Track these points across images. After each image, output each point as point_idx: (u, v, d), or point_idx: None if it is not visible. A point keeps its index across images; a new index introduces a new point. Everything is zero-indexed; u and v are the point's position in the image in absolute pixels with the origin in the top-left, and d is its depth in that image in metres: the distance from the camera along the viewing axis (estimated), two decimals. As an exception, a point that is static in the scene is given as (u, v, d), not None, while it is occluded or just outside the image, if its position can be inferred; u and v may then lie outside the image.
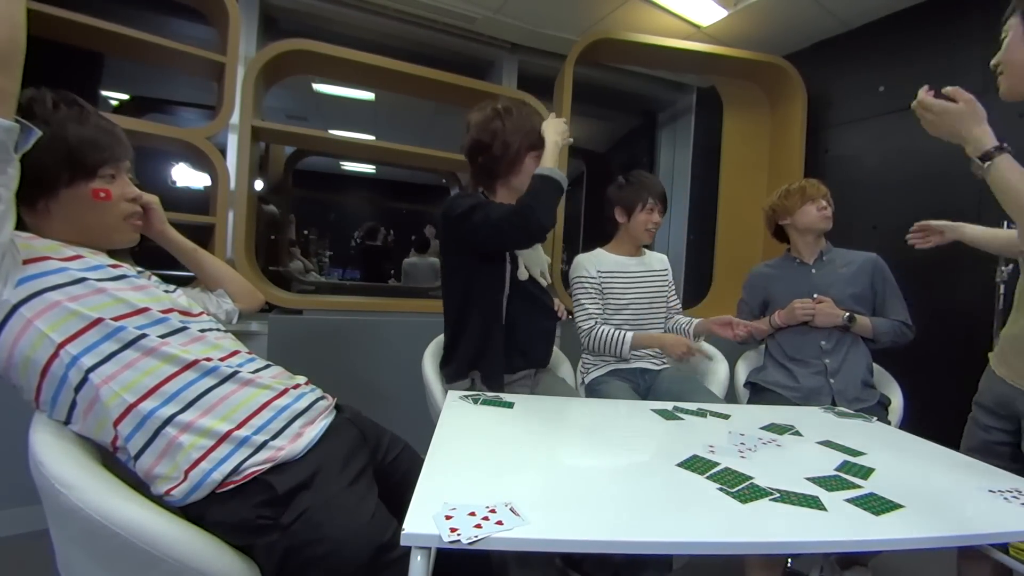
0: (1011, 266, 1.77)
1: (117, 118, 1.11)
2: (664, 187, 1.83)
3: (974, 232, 1.49)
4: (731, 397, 1.82)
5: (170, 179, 4.45)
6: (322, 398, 1.00)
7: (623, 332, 1.70)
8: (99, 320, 0.79)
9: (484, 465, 0.84)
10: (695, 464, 0.87)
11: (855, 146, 2.66)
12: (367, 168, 7.20)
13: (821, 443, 1.05)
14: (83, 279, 0.81)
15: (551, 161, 1.35)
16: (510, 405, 1.18)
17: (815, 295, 1.70)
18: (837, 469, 0.90)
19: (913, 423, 1.40)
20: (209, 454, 0.79)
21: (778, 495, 0.76)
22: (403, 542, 0.59)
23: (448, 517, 0.62)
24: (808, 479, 0.84)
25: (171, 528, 0.70)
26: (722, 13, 2.58)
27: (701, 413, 1.23)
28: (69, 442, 0.77)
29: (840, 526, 0.70)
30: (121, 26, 1.85)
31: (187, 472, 0.78)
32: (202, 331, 0.92)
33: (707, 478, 0.81)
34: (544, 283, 1.57)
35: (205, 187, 2.99)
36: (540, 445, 0.98)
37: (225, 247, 2.04)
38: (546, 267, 1.58)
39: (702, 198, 3.37)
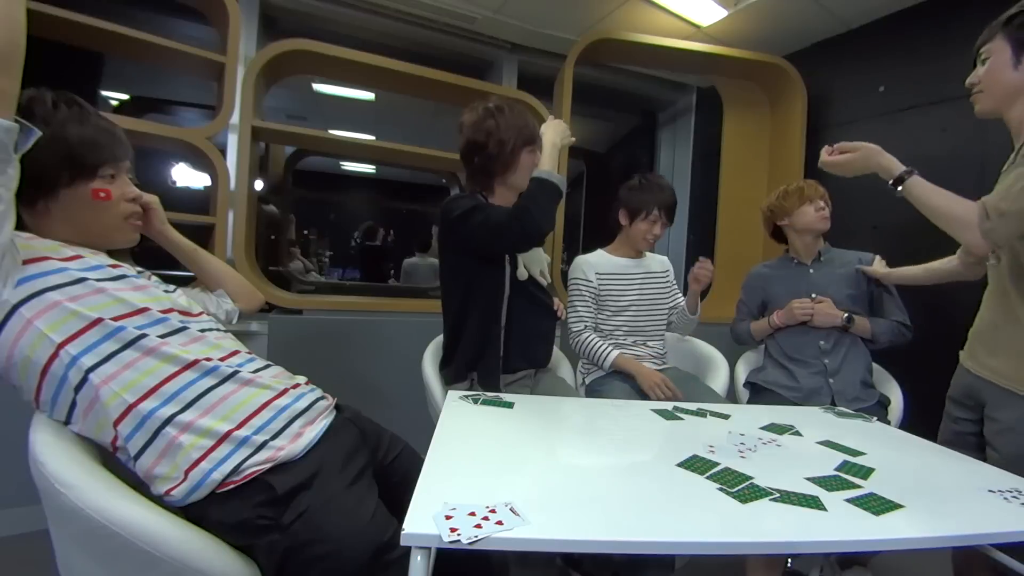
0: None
1: (117, 118, 1.11)
2: (676, 198, 1.80)
3: (913, 272, 1.62)
4: (731, 397, 1.82)
5: (170, 179, 4.45)
6: (322, 398, 1.00)
7: (609, 348, 1.70)
8: (99, 320, 0.79)
9: (484, 465, 0.84)
10: (695, 464, 0.87)
11: (855, 146, 2.66)
12: (367, 168, 7.20)
13: (821, 443, 1.05)
14: (83, 279, 0.81)
15: (548, 164, 1.34)
16: (510, 405, 1.18)
17: (813, 295, 1.70)
18: (837, 469, 0.90)
19: (913, 423, 1.41)
20: (209, 454, 0.79)
21: (778, 495, 0.76)
22: (403, 542, 0.59)
23: (448, 517, 0.62)
24: (808, 479, 0.84)
25: (171, 528, 0.70)
26: (722, 13, 2.58)
27: (701, 413, 1.23)
28: (69, 442, 0.77)
29: (840, 526, 0.70)
30: (121, 26, 1.85)
31: (187, 472, 0.78)
32: (202, 331, 0.92)
33: (707, 478, 0.81)
34: (544, 283, 1.57)
35: (205, 187, 2.99)
36: (540, 445, 0.98)
37: (225, 247, 2.04)
38: (546, 267, 1.58)
39: (702, 198, 3.37)
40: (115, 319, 0.80)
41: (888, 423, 1.53)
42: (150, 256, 1.16)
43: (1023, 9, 1.10)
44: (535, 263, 1.53)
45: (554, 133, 1.39)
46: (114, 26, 1.84)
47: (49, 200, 0.85)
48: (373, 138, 4.37)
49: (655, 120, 3.94)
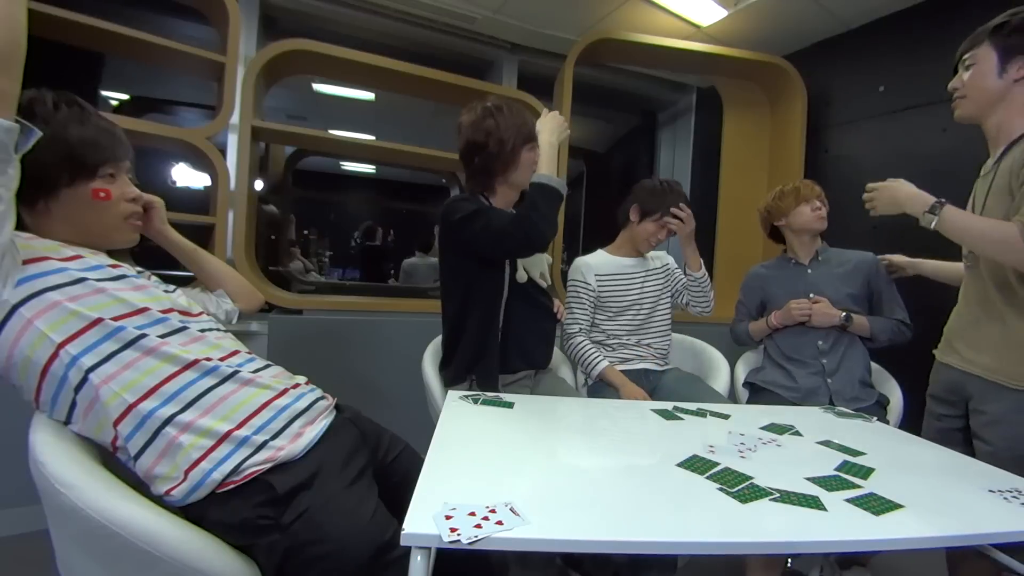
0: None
1: (117, 118, 1.11)
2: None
3: (934, 267, 1.61)
4: (731, 397, 1.82)
5: (170, 179, 4.45)
6: (322, 398, 1.00)
7: (599, 358, 1.69)
8: (99, 320, 0.79)
9: (484, 465, 0.84)
10: (695, 464, 0.87)
11: (855, 146, 2.66)
12: (367, 168, 7.20)
13: (821, 443, 1.05)
14: (83, 279, 0.81)
15: (547, 166, 1.33)
16: (510, 405, 1.18)
17: (811, 295, 1.70)
18: (837, 469, 0.90)
19: (913, 422, 1.41)
20: (209, 454, 0.79)
21: (778, 495, 0.76)
22: (403, 542, 0.59)
23: (448, 517, 0.62)
24: (808, 479, 0.84)
25: (171, 528, 0.70)
26: (722, 13, 2.58)
27: (701, 413, 1.23)
28: (69, 442, 0.77)
29: (840, 526, 0.70)
30: (121, 26, 1.85)
31: (187, 472, 0.78)
32: (202, 331, 0.92)
33: (707, 478, 0.81)
34: (544, 284, 1.56)
35: (205, 187, 2.99)
36: (540, 445, 0.98)
37: (225, 247, 2.04)
38: (546, 268, 1.57)
39: (702, 198, 3.37)
40: (115, 319, 0.80)
41: (887, 422, 1.53)
42: (150, 256, 1.16)
43: (1009, 20, 1.13)
44: (535, 265, 1.52)
45: (550, 131, 1.37)
46: (114, 26, 1.84)
47: (49, 200, 0.85)
48: (373, 138, 4.37)
49: (655, 120, 3.94)
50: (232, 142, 2.26)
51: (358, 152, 3.70)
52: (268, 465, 0.81)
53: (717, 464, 0.87)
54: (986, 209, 1.18)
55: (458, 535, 0.58)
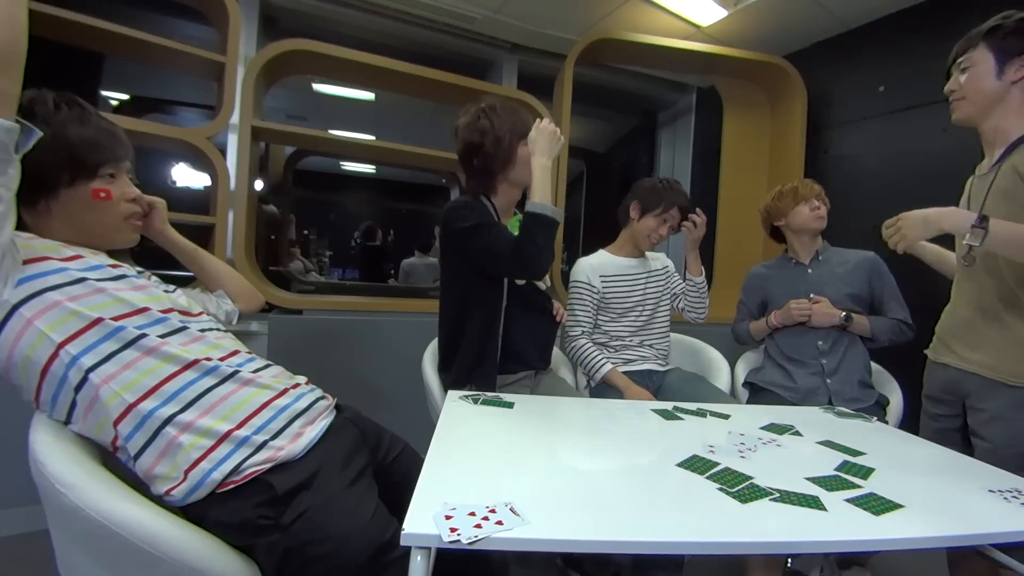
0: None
1: (117, 118, 1.11)
2: (689, 205, 1.78)
3: (937, 255, 1.52)
4: (731, 397, 1.82)
5: (170, 179, 4.45)
6: (322, 398, 1.00)
7: (602, 361, 1.68)
8: (99, 320, 0.79)
9: (484, 465, 0.83)
10: (695, 464, 0.87)
11: (855, 146, 2.66)
12: (367, 168, 7.20)
13: (821, 443, 1.05)
14: (83, 279, 0.81)
15: (540, 191, 1.30)
16: (510, 405, 1.18)
17: (811, 295, 1.70)
18: (837, 469, 0.90)
19: (912, 424, 1.41)
20: (209, 454, 0.79)
21: (778, 495, 0.76)
22: (403, 542, 0.59)
23: (448, 517, 0.62)
24: (808, 479, 0.84)
25: (171, 528, 0.70)
26: (722, 13, 2.58)
27: (701, 413, 1.23)
28: (69, 442, 0.77)
29: (840, 526, 0.70)
30: (121, 26, 1.85)
31: (187, 472, 0.78)
32: (202, 331, 0.92)
33: (707, 478, 0.81)
34: (544, 287, 1.56)
35: (205, 187, 2.99)
36: (540, 445, 0.98)
37: (225, 247, 2.04)
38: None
39: (702, 198, 3.37)
40: (115, 319, 0.80)
41: (886, 423, 1.53)
42: (150, 256, 1.16)
43: (1002, 22, 1.14)
44: None
45: (542, 150, 1.33)
46: (114, 26, 1.84)
47: (50, 200, 0.85)
48: (373, 138, 4.37)
49: (655, 120, 3.94)
50: (232, 142, 2.26)
51: (358, 152, 3.70)
52: (268, 465, 0.81)
53: (717, 464, 0.87)
54: (985, 210, 1.18)
55: (458, 535, 0.58)
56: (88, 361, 0.77)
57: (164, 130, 1.96)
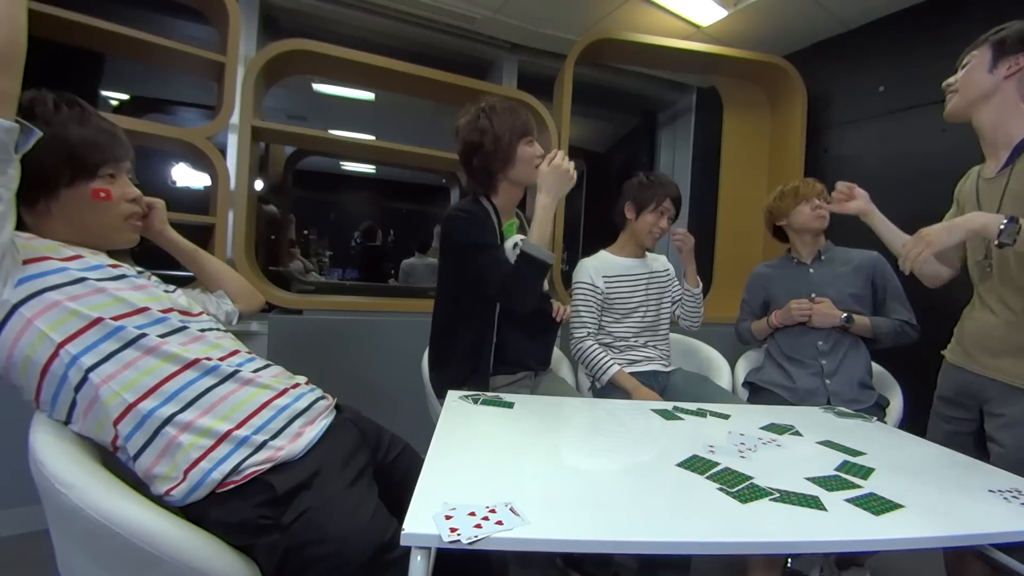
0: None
1: (117, 118, 1.12)
2: (680, 193, 1.79)
3: (887, 228, 1.45)
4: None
5: (170, 179, 4.44)
6: (322, 398, 1.00)
7: (609, 362, 1.67)
8: (99, 319, 0.79)
9: (484, 465, 0.84)
10: (695, 464, 0.87)
11: (855, 146, 2.66)
12: (367, 168, 7.19)
13: (821, 443, 1.05)
14: (83, 279, 0.81)
15: (538, 233, 1.32)
16: (510, 405, 1.18)
17: (813, 295, 1.70)
18: (837, 469, 0.90)
19: (913, 425, 1.40)
20: (209, 454, 0.79)
21: (778, 495, 0.76)
22: (403, 542, 0.59)
23: (448, 517, 0.62)
24: (808, 479, 0.84)
25: (171, 528, 0.70)
26: (722, 13, 2.58)
27: (701, 413, 1.23)
28: (69, 442, 0.77)
29: (840, 526, 0.70)
30: (121, 26, 1.85)
31: (186, 472, 0.78)
32: (202, 330, 0.92)
33: (707, 478, 0.81)
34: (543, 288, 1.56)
35: (205, 187, 2.99)
36: (540, 445, 0.98)
37: (225, 247, 2.04)
38: None
39: (702, 198, 3.37)
40: (115, 318, 0.80)
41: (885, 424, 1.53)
42: (150, 256, 1.16)
43: (1007, 28, 1.17)
44: None
45: (548, 188, 1.33)
46: (114, 26, 1.84)
47: (49, 200, 0.85)
48: (373, 138, 4.37)
49: (655, 120, 3.94)
50: (232, 142, 2.26)
51: (358, 152, 3.70)
52: (268, 465, 0.81)
53: (717, 464, 0.87)
54: (1003, 213, 1.16)
55: (458, 535, 0.58)
56: (88, 361, 0.77)
57: (164, 130, 1.96)
